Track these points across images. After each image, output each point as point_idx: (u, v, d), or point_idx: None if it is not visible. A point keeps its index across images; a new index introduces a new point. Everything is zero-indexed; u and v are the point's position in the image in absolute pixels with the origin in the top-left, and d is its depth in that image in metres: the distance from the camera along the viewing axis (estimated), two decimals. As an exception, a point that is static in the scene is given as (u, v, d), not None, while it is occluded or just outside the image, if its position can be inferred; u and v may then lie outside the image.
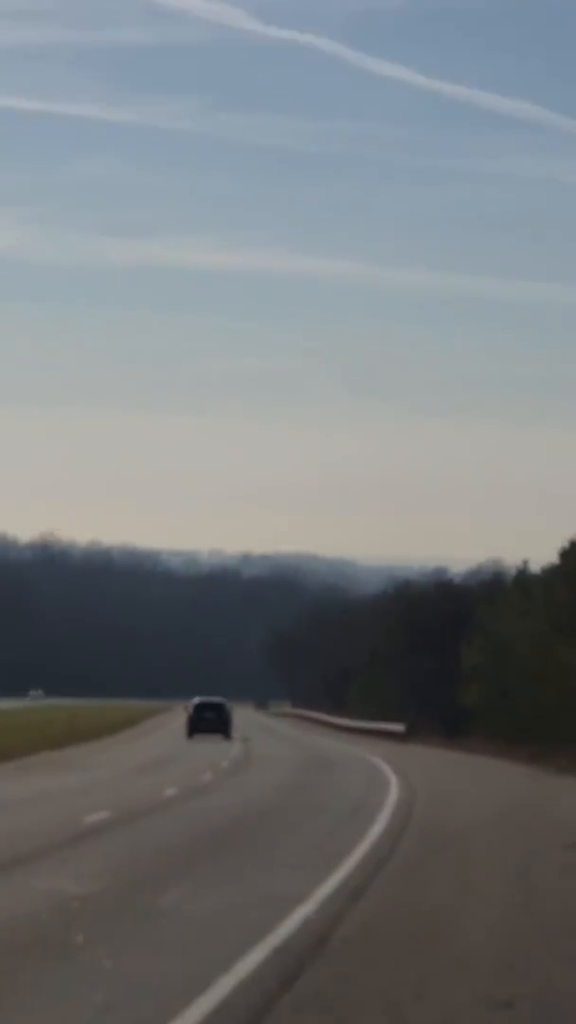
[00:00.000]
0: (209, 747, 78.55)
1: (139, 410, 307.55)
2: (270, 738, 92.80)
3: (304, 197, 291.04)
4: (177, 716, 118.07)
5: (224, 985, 11.65)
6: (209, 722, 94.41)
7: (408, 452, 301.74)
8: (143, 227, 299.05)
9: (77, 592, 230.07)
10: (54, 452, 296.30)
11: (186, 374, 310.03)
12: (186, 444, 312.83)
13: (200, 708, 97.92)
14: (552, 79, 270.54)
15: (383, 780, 47.50)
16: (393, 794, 40.32)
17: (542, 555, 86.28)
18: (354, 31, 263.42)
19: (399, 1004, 11.49)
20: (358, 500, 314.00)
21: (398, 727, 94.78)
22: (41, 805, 34.74)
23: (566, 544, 74.18)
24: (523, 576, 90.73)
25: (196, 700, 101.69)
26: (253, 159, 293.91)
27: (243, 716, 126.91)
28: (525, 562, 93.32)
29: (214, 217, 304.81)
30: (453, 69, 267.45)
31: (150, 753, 69.15)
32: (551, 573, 78.96)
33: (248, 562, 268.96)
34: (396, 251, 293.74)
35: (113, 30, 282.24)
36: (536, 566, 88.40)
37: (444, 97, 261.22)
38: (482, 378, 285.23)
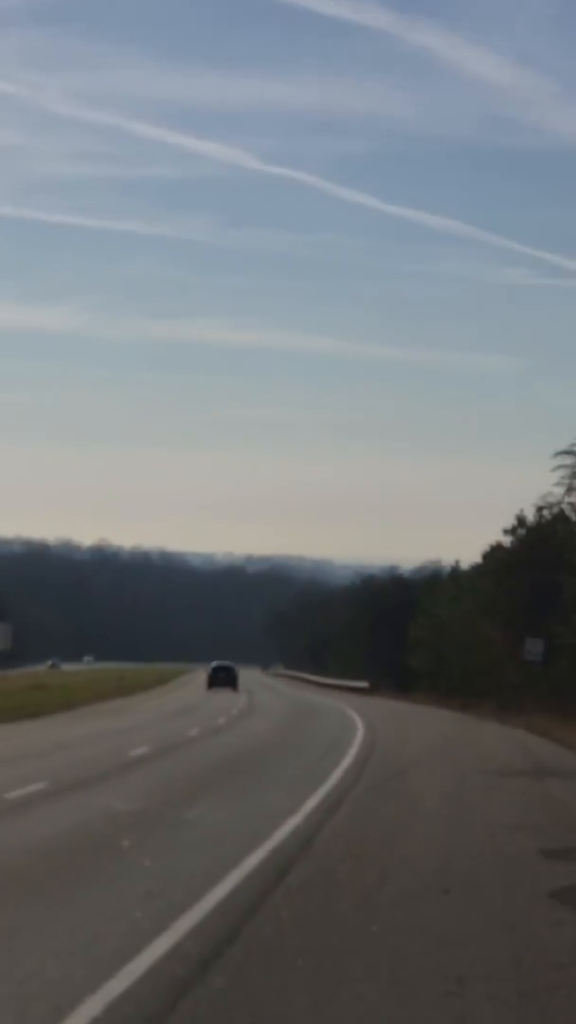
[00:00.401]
0: (223, 698, 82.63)
1: (172, 447, 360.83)
2: (268, 692, 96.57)
3: (294, 290, 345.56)
4: (199, 676, 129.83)
5: (234, 877, 13.28)
6: (222, 680, 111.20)
7: (372, 478, 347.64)
8: (175, 312, 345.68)
9: (123, 583, 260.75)
10: (108, 478, 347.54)
11: (208, 419, 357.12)
12: (206, 472, 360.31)
13: (215, 669, 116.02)
14: (476, 205, 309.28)
15: (352, 723, 49.40)
16: (359, 734, 42.15)
17: (469, 556, 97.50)
18: (332, 169, 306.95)
19: (367, 890, 13.07)
20: (335, 515, 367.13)
21: (363, 684, 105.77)
22: (97, 743, 36.76)
23: (486, 548, 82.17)
24: (455, 572, 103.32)
25: (213, 664, 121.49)
26: (256, 262, 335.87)
27: (249, 676, 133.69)
28: (457, 561, 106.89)
29: (227, 305, 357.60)
30: (404, 197, 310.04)
31: (178, 703, 72.75)
32: (476, 569, 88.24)
33: (251, 561, 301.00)
34: (365, 331, 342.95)
35: (151, 167, 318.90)
36: (465, 564, 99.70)
37: (397, 217, 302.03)
38: (425, 424, 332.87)
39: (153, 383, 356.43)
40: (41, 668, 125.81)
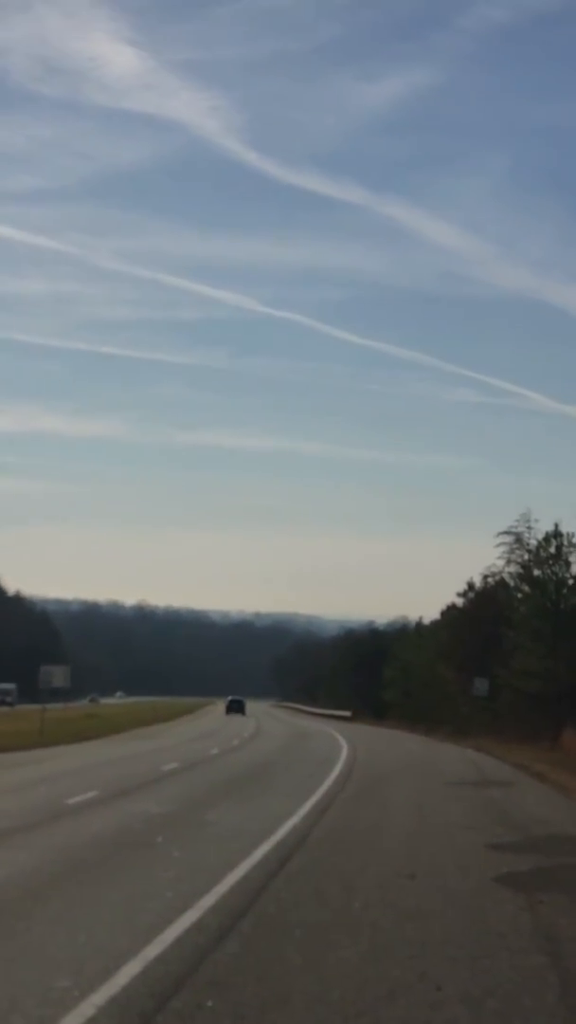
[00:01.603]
0: (237, 724, 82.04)
1: (195, 528, 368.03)
2: (272, 720, 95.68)
3: (291, 406, 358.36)
4: (218, 706, 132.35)
5: (245, 866, 13.29)
6: (235, 708, 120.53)
7: (355, 552, 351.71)
8: (195, 424, 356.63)
9: (158, 635, 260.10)
10: (146, 552, 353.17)
11: (223, 507, 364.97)
12: (222, 548, 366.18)
13: (231, 701, 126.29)
14: (433, 340, 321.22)
15: (338, 744, 49.00)
16: (344, 752, 41.77)
17: (430, 613, 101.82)
18: (319, 312, 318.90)
19: (350, 876, 13.03)
20: (325, 581, 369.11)
21: (346, 713, 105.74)
22: (136, 760, 36.17)
23: (444, 607, 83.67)
24: (419, 625, 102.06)
25: (229, 697, 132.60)
26: (260, 385, 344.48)
27: (256, 707, 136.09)
28: (420, 617, 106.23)
29: (237, 418, 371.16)
30: (376, 333, 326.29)
31: (201, 728, 72.19)
32: (435, 624, 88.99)
33: (259, 617, 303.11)
34: (348, 437, 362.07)
35: (176, 310, 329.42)
36: (427, 619, 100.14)
37: (371, 349, 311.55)
38: (396, 510, 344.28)
39: (179, 479, 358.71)
40: (82, 703, 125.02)
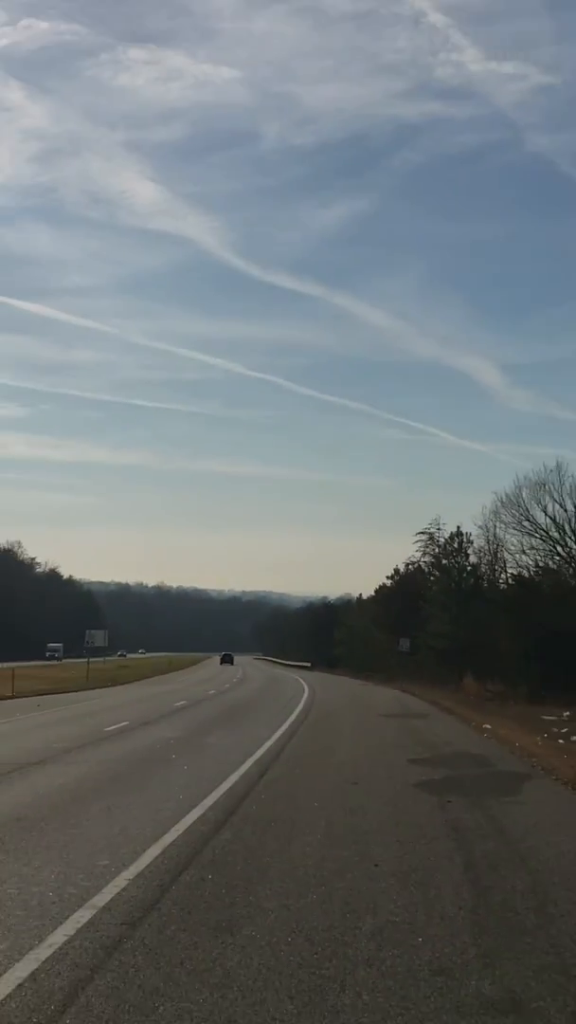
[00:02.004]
0: (228, 672, 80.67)
1: (200, 531, 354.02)
2: (254, 669, 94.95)
3: (269, 442, 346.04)
4: (214, 660, 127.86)
5: (235, 776, 13.20)
6: (227, 660, 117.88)
7: (316, 548, 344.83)
8: (200, 455, 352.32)
9: (171, 607, 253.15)
10: (163, 547, 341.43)
11: (220, 516, 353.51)
12: (219, 545, 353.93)
13: (224, 655, 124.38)
14: (370, 393, 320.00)
15: (301, 687, 48.35)
16: (305, 693, 41.30)
17: (367, 590, 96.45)
18: (290, 374, 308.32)
19: (310, 783, 12.95)
20: (293, 568, 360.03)
21: (307, 664, 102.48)
22: (155, 699, 35.59)
23: (377, 586, 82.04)
24: (360, 600, 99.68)
25: (222, 653, 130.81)
26: (244, 426, 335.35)
27: (242, 660, 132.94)
28: (360, 594, 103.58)
29: (227, 450, 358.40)
30: (332, 390, 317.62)
31: (202, 676, 70.78)
32: (371, 599, 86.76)
33: (244, 594, 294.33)
34: (311, 464, 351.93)
35: (184, 372, 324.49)
36: (365, 595, 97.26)
37: (327, 400, 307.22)
38: (345, 518, 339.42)
39: (187, 494, 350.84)
40: (113, 657, 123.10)
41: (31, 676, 51.59)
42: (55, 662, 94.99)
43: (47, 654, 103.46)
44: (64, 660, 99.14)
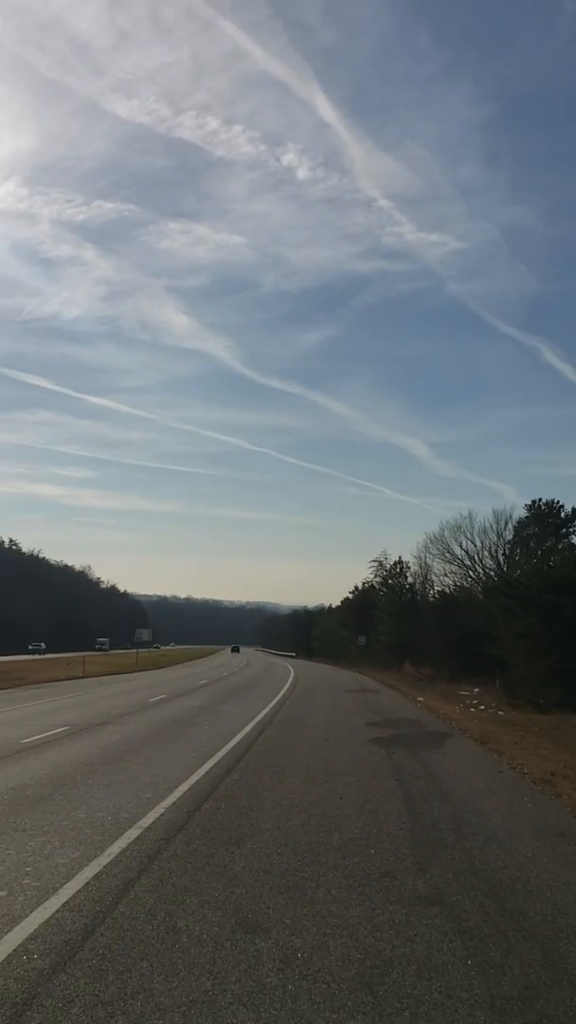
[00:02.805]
0: (237, 660, 78.47)
1: (217, 557, 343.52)
2: (255, 658, 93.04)
3: (264, 496, 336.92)
4: (227, 651, 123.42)
5: (241, 734, 12.92)
6: (235, 651, 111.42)
7: (300, 571, 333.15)
8: (217, 505, 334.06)
9: (196, 613, 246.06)
10: (191, 569, 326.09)
11: (232, 546, 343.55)
12: (231, 566, 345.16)
13: (233, 647, 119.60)
14: (337, 461, 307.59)
15: (288, 671, 47.40)
16: (292, 675, 40.56)
17: (336, 600, 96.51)
18: (280, 448, 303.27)
19: (294, 739, 12.66)
20: (284, 584, 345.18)
21: (293, 653, 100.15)
22: (185, 678, 34.84)
23: (343, 598, 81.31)
24: (330, 608, 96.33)
25: (232, 645, 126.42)
26: (249, 485, 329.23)
27: (247, 650, 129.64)
28: (331, 604, 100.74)
29: (238, 502, 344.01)
30: (311, 458, 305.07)
31: (217, 662, 68.03)
32: (338, 607, 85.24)
33: (248, 603, 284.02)
34: (289, 510, 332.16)
35: (205, 447, 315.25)
36: (334, 605, 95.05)
37: (307, 468, 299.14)
38: (319, 550, 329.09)
39: (209, 532, 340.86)
40: (155, 648, 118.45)
41: (96, 662, 50.91)
42: (102, 652, 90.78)
43: (96, 646, 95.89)
44: (116, 650, 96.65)
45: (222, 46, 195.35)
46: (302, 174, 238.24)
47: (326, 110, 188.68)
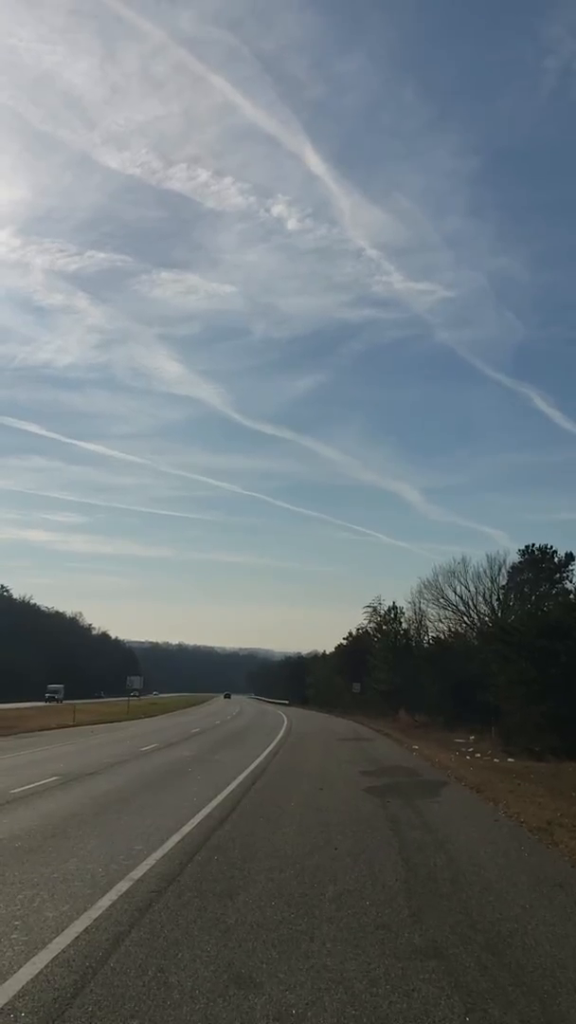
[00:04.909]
0: (230, 706, 77.80)
1: (208, 603, 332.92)
2: (247, 706, 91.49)
3: (256, 540, 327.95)
4: (219, 698, 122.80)
5: (235, 783, 12.74)
6: (228, 697, 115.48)
7: (293, 617, 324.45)
8: (207, 549, 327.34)
9: (188, 659, 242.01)
10: (182, 616, 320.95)
11: (222, 591, 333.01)
12: (222, 612, 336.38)
13: (226, 695, 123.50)
14: (329, 506, 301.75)
15: (282, 719, 46.72)
16: (285, 723, 39.89)
17: (330, 647, 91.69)
18: (272, 492, 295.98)
19: (288, 788, 12.55)
20: (274, 630, 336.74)
21: (286, 701, 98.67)
22: (177, 726, 34.13)
23: (337, 644, 79.40)
24: (324, 655, 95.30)
25: (225, 692, 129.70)
26: (240, 529, 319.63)
27: (239, 698, 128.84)
28: (324, 650, 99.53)
29: (228, 546, 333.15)
30: (306, 504, 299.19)
31: (210, 710, 67.01)
32: (333, 654, 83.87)
33: (240, 650, 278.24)
34: (285, 555, 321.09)
35: (197, 492, 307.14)
36: (328, 651, 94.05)
37: (297, 512, 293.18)
38: (310, 595, 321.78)
39: (199, 577, 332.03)
40: (147, 696, 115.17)
41: (87, 710, 50.02)
42: (55, 703, 70.44)
43: (47, 696, 78.12)
44: (108, 698, 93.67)
45: (212, 100, 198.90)
46: (292, 225, 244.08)
47: (315, 162, 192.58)
